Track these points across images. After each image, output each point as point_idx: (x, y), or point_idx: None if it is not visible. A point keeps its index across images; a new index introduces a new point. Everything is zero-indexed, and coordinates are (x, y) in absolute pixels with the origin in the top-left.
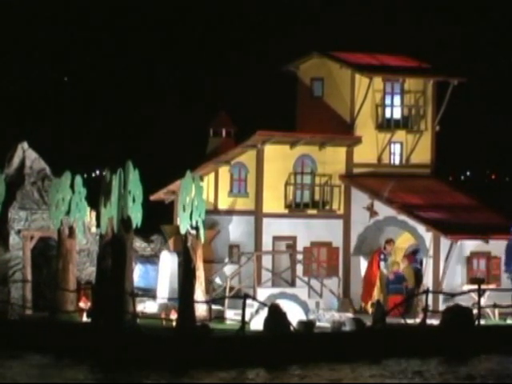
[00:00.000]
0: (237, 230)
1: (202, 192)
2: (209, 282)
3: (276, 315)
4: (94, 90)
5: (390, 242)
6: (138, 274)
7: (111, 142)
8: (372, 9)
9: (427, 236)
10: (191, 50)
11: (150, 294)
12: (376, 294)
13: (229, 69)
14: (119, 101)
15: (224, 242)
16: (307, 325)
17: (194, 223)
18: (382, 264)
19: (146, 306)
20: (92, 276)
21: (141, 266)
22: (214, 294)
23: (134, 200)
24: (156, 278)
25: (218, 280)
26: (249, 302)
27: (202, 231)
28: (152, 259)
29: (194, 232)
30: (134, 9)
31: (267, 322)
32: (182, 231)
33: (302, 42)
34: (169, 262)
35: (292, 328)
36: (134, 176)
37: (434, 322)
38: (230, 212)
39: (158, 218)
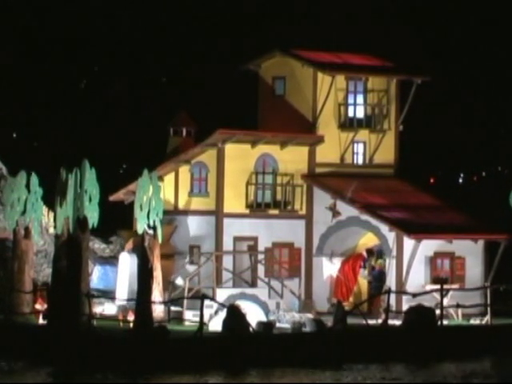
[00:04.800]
0: (197, 230)
1: (160, 191)
2: (168, 283)
3: (235, 316)
4: (52, 87)
5: (374, 252)
6: (97, 276)
7: (69, 140)
8: (335, 7)
9: (390, 236)
10: (151, 48)
11: (108, 295)
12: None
13: (189, 67)
14: (78, 99)
15: (184, 243)
16: (266, 326)
17: (151, 223)
18: (361, 271)
19: (105, 308)
20: (49, 277)
21: (100, 267)
22: (173, 294)
23: (90, 199)
24: (115, 280)
25: (179, 280)
26: (208, 302)
27: (159, 231)
28: (111, 260)
29: (151, 232)
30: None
31: (226, 322)
32: (140, 231)
33: (263, 40)
34: (128, 264)
35: (251, 329)
36: (90, 175)
37: (397, 322)
38: (191, 212)
39: (118, 219)
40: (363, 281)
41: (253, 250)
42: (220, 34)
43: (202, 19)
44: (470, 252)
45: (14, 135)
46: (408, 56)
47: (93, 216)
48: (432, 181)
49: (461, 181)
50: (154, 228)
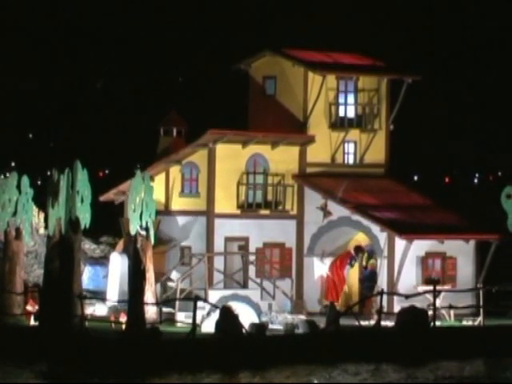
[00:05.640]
0: (188, 230)
1: (153, 192)
2: (162, 284)
3: (228, 317)
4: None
5: (363, 250)
6: (88, 276)
7: (59, 141)
8: (325, 7)
9: (382, 236)
10: (142, 48)
11: (99, 296)
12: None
13: (181, 67)
14: (68, 100)
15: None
16: (259, 327)
17: (143, 224)
18: (347, 268)
19: (96, 309)
20: (40, 278)
21: (90, 267)
22: (165, 295)
23: (82, 200)
24: (106, 280)
25: (173, 276)
26: (200, 304)
27: (152, 232)
28: (101, 261)
29: (143, 233)
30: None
31: (219, 324)
32: (132, 232)
33: (253, 39)
34: (119, 264)
35: (244, 331)
36: (82, 176)
37: (389, 323)
38: (181, 212)
39: (108, 220)
40: (355, 281)
41: (244, 250)
42: (210, 34)
43: (193, 19)
44: (462, 252)
45: (31, 135)
46: (398, 55)
47: (85, 217)
48: (447, 180)
49: (476, 181)
50: (147, 229)
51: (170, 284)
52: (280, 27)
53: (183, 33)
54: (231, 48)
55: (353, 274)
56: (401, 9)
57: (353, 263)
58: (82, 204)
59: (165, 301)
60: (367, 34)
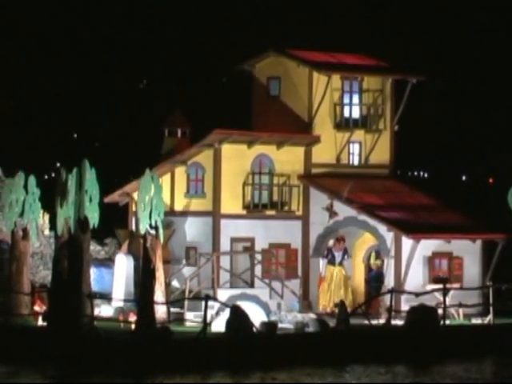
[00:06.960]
0: (194, 231)
1: (161, 191)
2: (166, 285)
3: (238, 316)
4: (48, 87)
5: (340, 239)
6: (93, 278)
7: (64, 141)
8: (329, 7)
9: (388, 236)
10: (143, 48)
11: (105, 297)
12: (337, 295)
13: (182, 68)
14: (71, 99)
15: (181, 244)
16: (270, 326)
17: (153, 223)
18: (321, 262)
19: (102, 310)
20: (46, 279)
21: (95, 269)
22: (172, 296)
23: (90, 200)
24: (111, 282)
25: (175, 283)
26: (209, 303)
27: (161, 231)
28: (107, 262)
29: (153, 232)
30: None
31: (229, 323)
32: (142, 231)
33: (257, 40)
34: (124, 265)
35: (255, 329)
36: (90, 175)
37: (398, 322)
38: (187, 213)
39: (113, 221)
40: (361, 281)
41: (250, 250)
42: (214, 34)
43: (196, 19)
44: (468, 252)
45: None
46: (402, 55)
47: (93, 216)
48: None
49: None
50: (156, 228)
51: (174, 284)
52: (283, 27)
53: (187, 32)
54: (235, 48)
55: (358, 275)
56: (403, 9)
57: (327, 254)
58: (91, 203)
59: (174, 300)
60: (371, 35)
